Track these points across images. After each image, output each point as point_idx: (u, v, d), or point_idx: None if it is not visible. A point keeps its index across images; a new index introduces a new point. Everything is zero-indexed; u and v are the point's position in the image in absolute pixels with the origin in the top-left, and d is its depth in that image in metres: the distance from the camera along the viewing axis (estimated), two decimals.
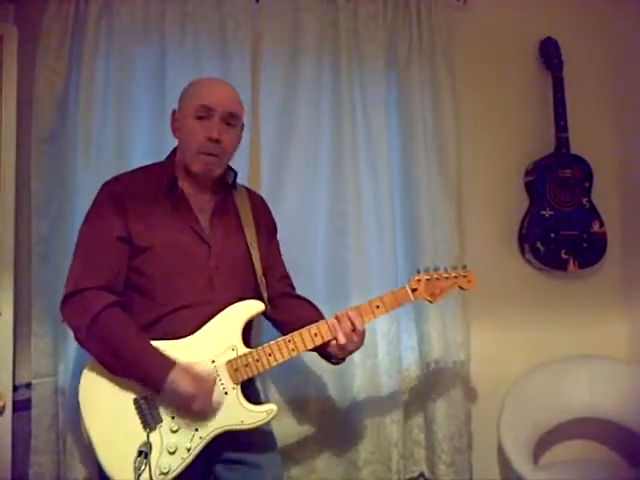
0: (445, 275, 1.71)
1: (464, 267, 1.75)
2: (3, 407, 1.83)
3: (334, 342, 1.57)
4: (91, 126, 1.96)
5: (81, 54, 1.97)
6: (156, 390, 1.44)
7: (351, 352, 1.61)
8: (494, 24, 2.41)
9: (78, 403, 1.48)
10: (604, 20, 2.51)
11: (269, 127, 2.13)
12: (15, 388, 1.90)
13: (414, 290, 1.66)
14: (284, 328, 1.65)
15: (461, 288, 1.74)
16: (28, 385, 1.93)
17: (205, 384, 1.45)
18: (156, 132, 2.01)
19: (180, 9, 2.07)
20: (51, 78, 1.99)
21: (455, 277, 1.72)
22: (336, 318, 1.58)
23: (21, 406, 1.90)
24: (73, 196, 1.94)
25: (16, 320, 1.89)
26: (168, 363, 1.44)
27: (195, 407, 1.43)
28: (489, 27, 2.40)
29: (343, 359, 1.65)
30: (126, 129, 2.02)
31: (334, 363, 1.66)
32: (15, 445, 1.86)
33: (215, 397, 1.47)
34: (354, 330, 1.56)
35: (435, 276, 1.69)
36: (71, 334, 1.83)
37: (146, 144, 2.03)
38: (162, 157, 1.90)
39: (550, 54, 2.40)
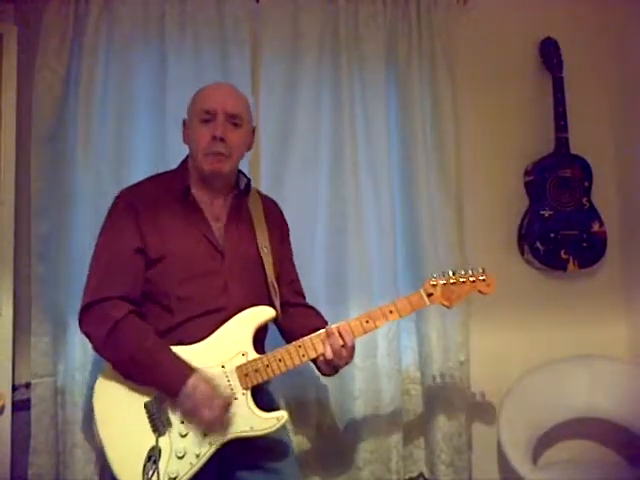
0: (462, 279, 1.63)
1: (483, 270, 1.65)
2: (2, 407, 1.83)
3: (321, 358, 1.55)
4: (91, 126, 1.96)
5: (81, 54, 1.98)
6: (173, 395, 1.43)
7: (338, 367, 1.57)
8: (494, 24, 2.41)
9: (92, 409, 1.48)
10: (604, 20, 2.50)
11: (269, 127, 2.13)
12: (14, 388, 1.91)
13: (430, 295, 1.61)
14: (288, 336, 1.65)
15: (480, 292, 1.65)
16: (27, 385, 1.93)
17: (221, 397, 1.43)
18: (156, 132, 2.02)
19: (180, 9, 2.07)
20: (51, 78, 1.99)
21: (473, 281, 1.64)
22: (326, 332, 1.55)
23: (20, 406, 1.90)
24: (73, 196, 1.94)
25: (15, 320, 1.89)
26: (187, 370, 1.44)
27: (206, 415, 1.41)
28: (489, 27, 2.40)
29: (334, 372, 1.60)
30: (126, 129, 2.02)
31: (325, 375, 1.62)
32: (14, 445, 1.87)
33: (228, 414, 1.44)
34: (344, 346, 1.54)
35: (452, 280, 1.62)
36: (70, 334, 1.87)
37: (146, 144, 2.03)
38: (162, 158, 1.92)
39: (550, 54, 2.40)
